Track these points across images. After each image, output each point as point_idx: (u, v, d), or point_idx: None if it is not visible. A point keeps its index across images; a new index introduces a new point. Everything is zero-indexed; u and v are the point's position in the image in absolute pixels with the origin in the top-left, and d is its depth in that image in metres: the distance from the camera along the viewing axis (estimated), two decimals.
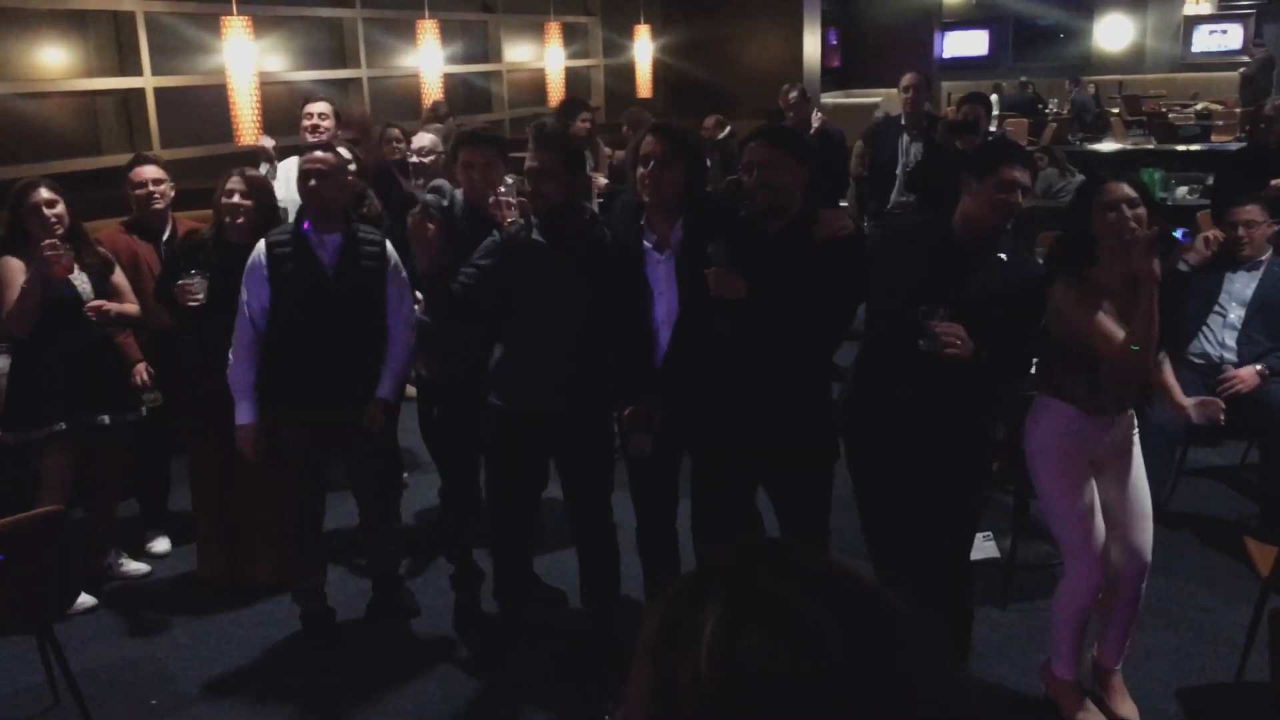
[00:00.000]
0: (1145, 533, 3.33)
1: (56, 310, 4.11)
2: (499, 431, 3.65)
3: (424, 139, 4.80)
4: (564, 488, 3.77)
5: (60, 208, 4.13)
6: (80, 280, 4.19)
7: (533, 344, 3.53)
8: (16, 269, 4.06)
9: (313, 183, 3.76)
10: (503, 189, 3.48)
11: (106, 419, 4.27)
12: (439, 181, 3.99)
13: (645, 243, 3.44)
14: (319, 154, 3.83)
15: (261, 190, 4.20)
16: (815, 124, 7.08)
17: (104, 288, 4.27)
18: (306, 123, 5.40)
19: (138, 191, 4.60)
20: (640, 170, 3.34)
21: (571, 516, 3.81)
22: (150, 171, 4.63)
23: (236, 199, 4.10)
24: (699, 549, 3.66)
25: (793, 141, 3.36)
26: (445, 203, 3.78)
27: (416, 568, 4.56)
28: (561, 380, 3.51)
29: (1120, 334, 3.02)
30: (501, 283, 3.49)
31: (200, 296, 4.04)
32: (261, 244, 3.85)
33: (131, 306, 4.34)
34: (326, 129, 5.40)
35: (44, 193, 4.11)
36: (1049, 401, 3.26)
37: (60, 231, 4.09)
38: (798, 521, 3.47)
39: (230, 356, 3.84)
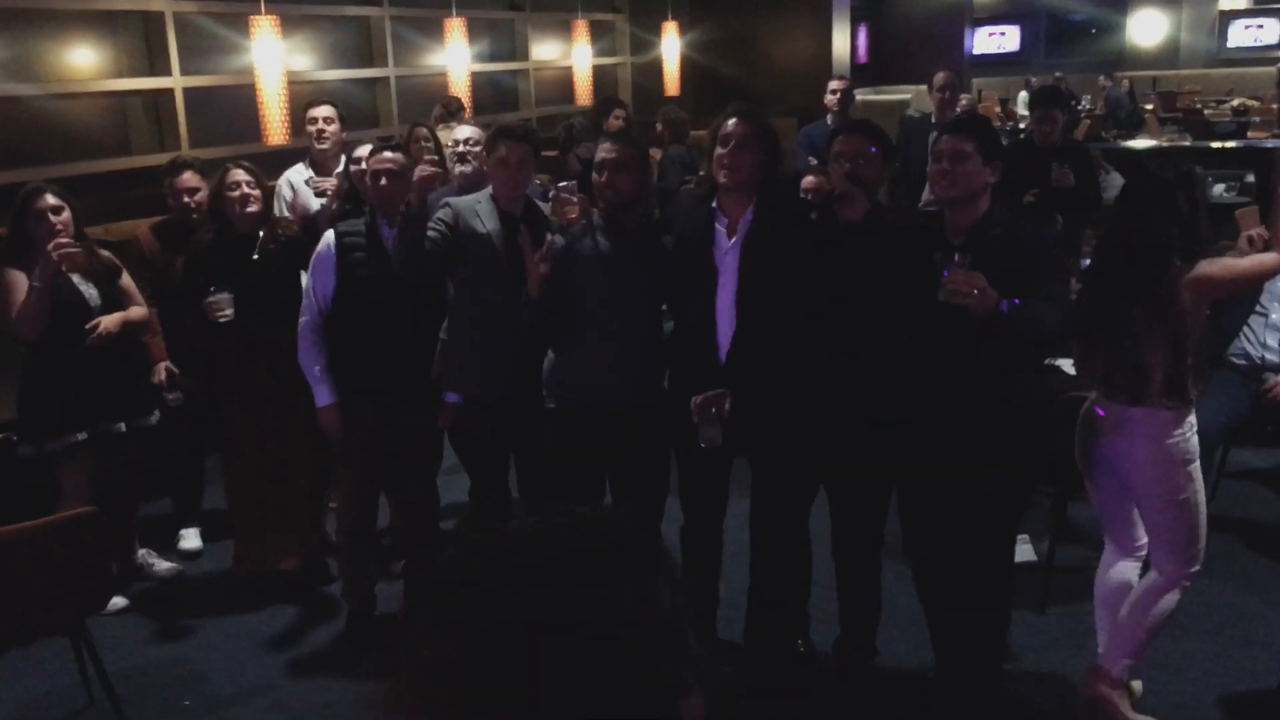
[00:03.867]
0: None
1: (65, 318, 4.08)
2: (560, 434, 3.59)
3: (465, 130, 4.67)
4: (615, 493, 3.71)
5: (66, 214, 4.10)
6: (87, 287, 4.17)
7: (593, 342, 3.49)
8: (19, 278, 4.03)
9: (383, 181, 3.84)
10: (564, 184, 3.54)
11: (123, 426, 4.25)
12: (454, 200, 3.91)
13: (717, 226, 3.44)
14: (389, 154, 3.90)
15: (260, 179, 4.29)
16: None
17: (111, 293, 4.25)
18: (311, 127, 5.36)
19: (178, 200, 4.63)
20: (720, 151, 3.35)
21: None
22: (189, 180, 4.65)
23: (245, 190, 4.19)
24: (756, 551, 3.62)
25: (881, 137, 3.38)
26: (448, 225, 3.72)
27: None
28: (621, 378, 3.48)
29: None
30: (566, 283, 3.47)
31: (229, 312, 4.09)
32: (330, 233, 3.94)
33: (138, 310, 4.32)
34: (332, 133, 5.33)
35: (50, 199, 4.08)
36: (1178, 407, 3.17)
37: (65, 239, 4.06)
38: (854, 525, 3.44)
39: (300, 341, 3.91)
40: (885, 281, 3.18)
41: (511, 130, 3.82)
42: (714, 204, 3.46)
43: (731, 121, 3.37)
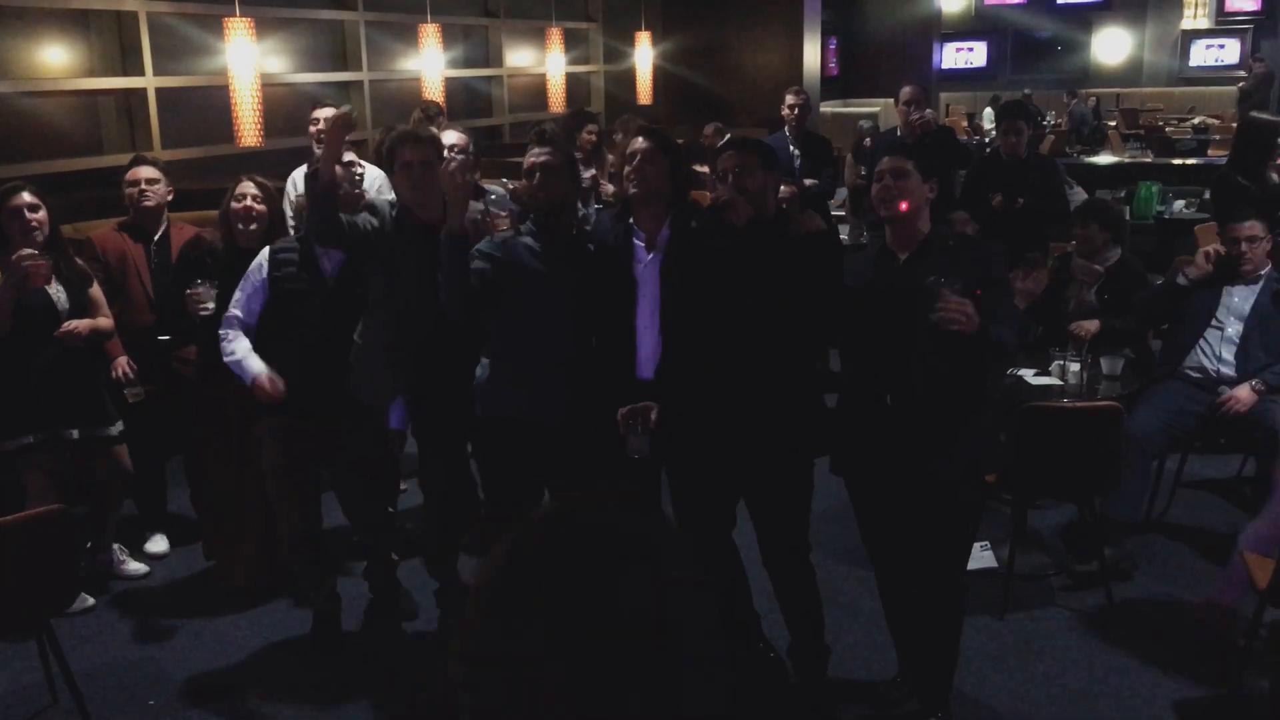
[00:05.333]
0: None
1: (30, 321, 4.06)
2: (491, 444, 3.62)
3: (451, 136, 4.68)
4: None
5: (42, 213, 4.11)
6: (56, 291, 4.16)
7: (521, 353, 3.51)
8: None
9: None
10: (495, 198, 3.49)
11: (75, 433, 4.22)
12: (373, 200, 3.82)
13: (636, 241, 3.51)
14: None
15: (271, 197, 4.25)
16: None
17: (81, 300, 4.24)
18: (313, 129, 5.41)
19: (129, 190, 4.63)
20: (627, 168, 3.47)
21: None
22: (145, 171, 4.66)
23: (250, 203, 4.12)
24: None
25: (760, 148, 3.49)
26: (375, 223, 3.67)
27: (418, 570, 4.55)
28: (553, 389, 3.50)
29: None
30: (499, 279, 3.49)
31: (210, 306, 4.04)
32: (266, 250, 3.86)
33: (105, 321, 4.32)
34: None
35: (27, 197, 4.08)
36: None
37: (40, 238, 4.08)
38: (777, 530, 3.48)
39: (223, 342, 3.83)
40: (791, 290, 3.24)
41: (412, 135, 3.78)
42: (630, 220, 3.55)
43: (637, 139, 3.50)
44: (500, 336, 3.56)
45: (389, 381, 3.80)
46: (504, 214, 3.50)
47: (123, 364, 4.45)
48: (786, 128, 7.12)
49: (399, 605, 4.24)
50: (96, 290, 4.33)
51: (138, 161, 4.76)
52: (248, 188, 4.15)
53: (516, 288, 3.48)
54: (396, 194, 3.79)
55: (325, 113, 5.41)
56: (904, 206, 3.18)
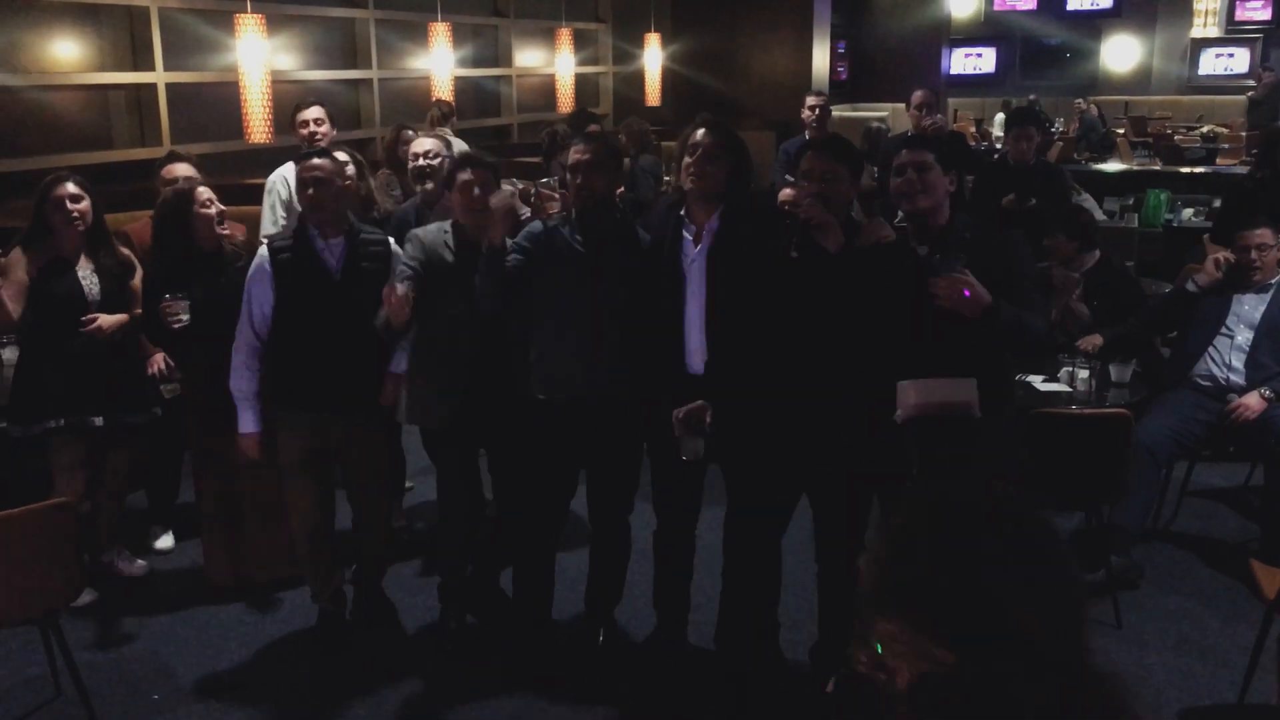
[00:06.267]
0: None
1: (65, 309, 4.11)
2: (539, 424, 3.63)
3: (425, 143, 4.72)
4: (590, 485, 3.78)
5: (85, 204, 4.13)
6: (91, 281, 4.19)
7: (566, 338, 3.55)
8: (17, 261, 4.06)
9: (311, 190, 3.76)
10: (545, 180, 3.54)
11: (100, 420, 4.23)
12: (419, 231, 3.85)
13: (685, 233, 3.50)
14: (316, 161, 3.81)
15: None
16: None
17: (120, 291, 4.26)
18: (303, 130, 5.41)
19: (165, 188, 4.62)
20: (687, 159, 3.42)
21: (594, 514, 3.83)
22: (180, 169, 4.70)
23: (217, 205, 4.15)
24: (728, 558, 3.65)
25: (850, 158, 3.40)
26: (422, 258, 3.69)
27: (420, 570, 4.55)
28: (591, 373, 3.53)
29: None
30: (534, 270, 3.53)
31: (184, 318, 4.04)
32: (264, 249, 3.86)
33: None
34: (324, 133, 5.40)
35: (70, 187, 4.11)
36: None
37: (82, 228, 4.11)
38: (838, 532, 3.46)
39: (233, 363, 3.85)
40: (865, 306, 3.21)
41: (471, 157, 3.84)
42: (682, 211, 3.52)
43: (700, 132, 3.44)
44: (541, 326, 3.59)
45: (434, 402, 3.80)
46: (556, 195, 3.54)
47: (159, 360, 4.46)
48: (806, 131, 7.11)
49: (380, 612, 4.20)
50: (138, 281, 4.34)
51: (172, 158, 4.79)
52: (207, 191, 4.15)
53: (554, 280, 3.52)
54: (452, 211, 3.81)
55: (310, 113, 5.42)
56: (925, 201, 3.18)
